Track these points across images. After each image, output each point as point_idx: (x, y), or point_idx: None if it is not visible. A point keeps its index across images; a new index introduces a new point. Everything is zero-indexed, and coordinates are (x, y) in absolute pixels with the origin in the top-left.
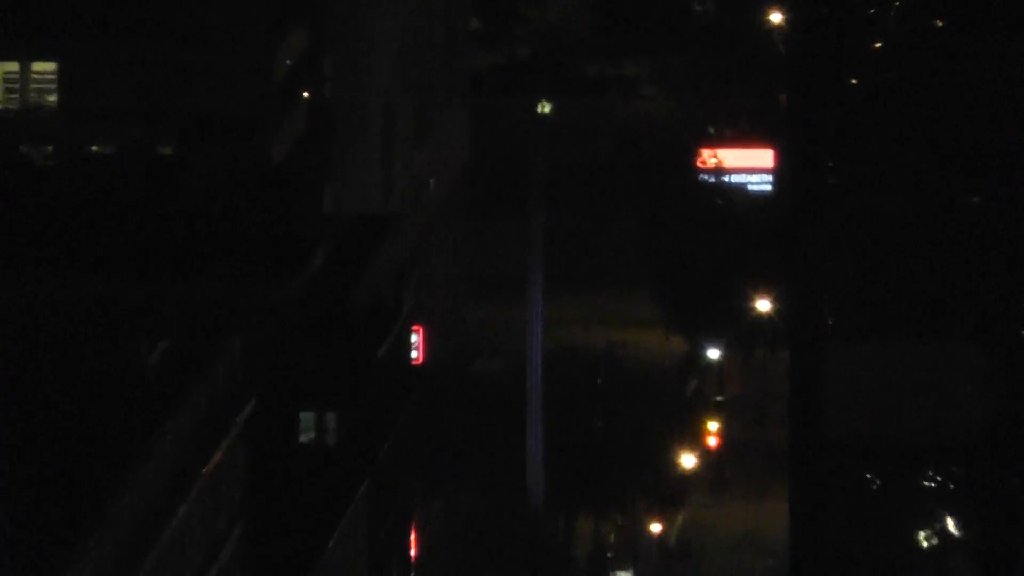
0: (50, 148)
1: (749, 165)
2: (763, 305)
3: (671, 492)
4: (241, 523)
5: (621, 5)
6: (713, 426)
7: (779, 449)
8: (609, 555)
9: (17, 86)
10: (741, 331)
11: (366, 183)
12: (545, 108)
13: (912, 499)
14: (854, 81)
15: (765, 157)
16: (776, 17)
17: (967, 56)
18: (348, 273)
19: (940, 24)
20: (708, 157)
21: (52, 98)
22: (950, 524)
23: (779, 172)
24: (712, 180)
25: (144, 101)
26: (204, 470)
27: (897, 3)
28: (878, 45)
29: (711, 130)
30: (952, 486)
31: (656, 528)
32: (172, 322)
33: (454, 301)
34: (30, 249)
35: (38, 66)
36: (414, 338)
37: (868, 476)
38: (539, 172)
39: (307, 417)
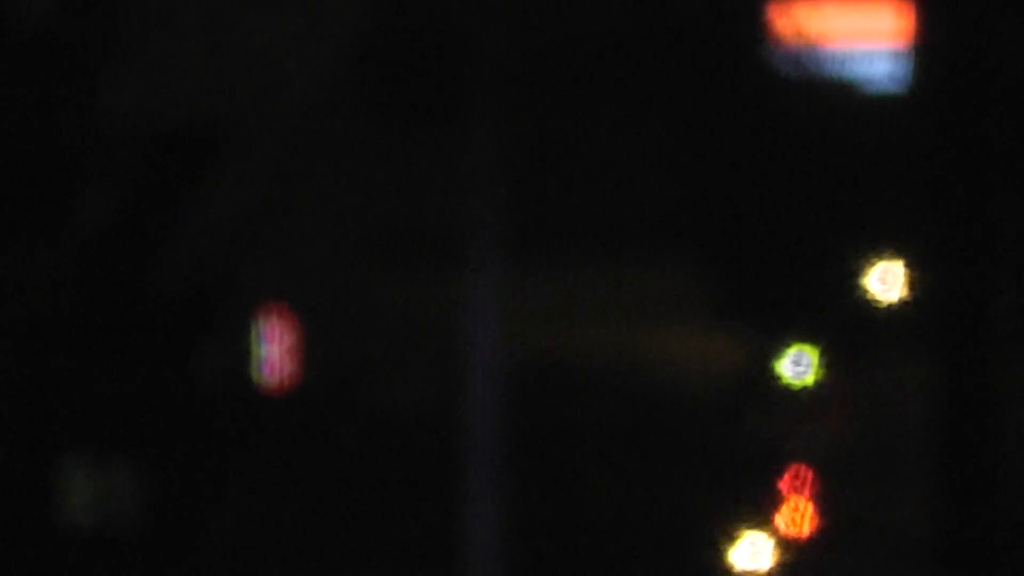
0: None
1: (864, 33)
2: (884, 287)
3: None
4: None
5: None
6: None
7: (919, 530)
8: None
9: None
10: (846, 329)
11: (179, 66)
12: None
13: None
14: None
15: (888, 20)
16: None
17: None
18: (141, 229)
19: None
20: (788, 22)
21: None
22: None
23: (918, 46)
24: (798, 62)
25: None
26: None
27: None
28: None
29: None
30: None
31: None
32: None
33: (340, 276)
34: None
35: None
36: (265, 344)
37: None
38: (489, 47)
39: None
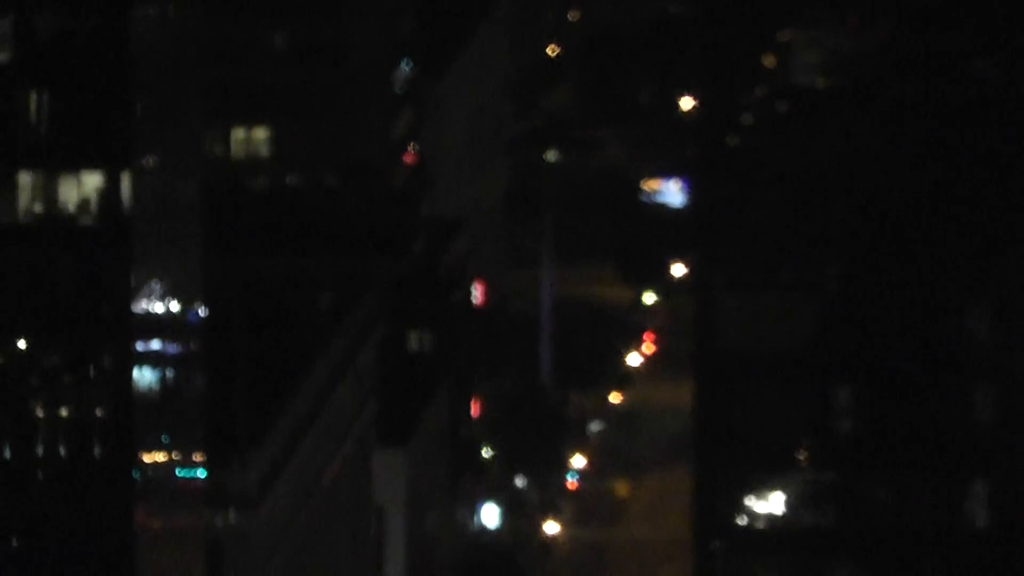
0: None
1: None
2: (678, 269)
3: (624, 377)
4: (371, 403)
5: (599, 99)
6: (650, 339)
7: (689, 354)
8: (587, 416)
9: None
10: (667, 285)
11: (445, 200)
12: (550, 156)
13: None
14: (733, 144)
15: (680, 186)
16: (687, 104)
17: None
18: (436, 252)
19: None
20: (649, 186)
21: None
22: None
23: (690, 193)
24: (650, 198)
25: (319, 153)
26: (356, 364)
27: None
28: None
29: (649, 168)
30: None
31: (615, 399)
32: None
33: (499, 270)
34: (252, 242)
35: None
36: (475, 290)
37: (745, 373)
38: (547, 192)
39: (414, 336)
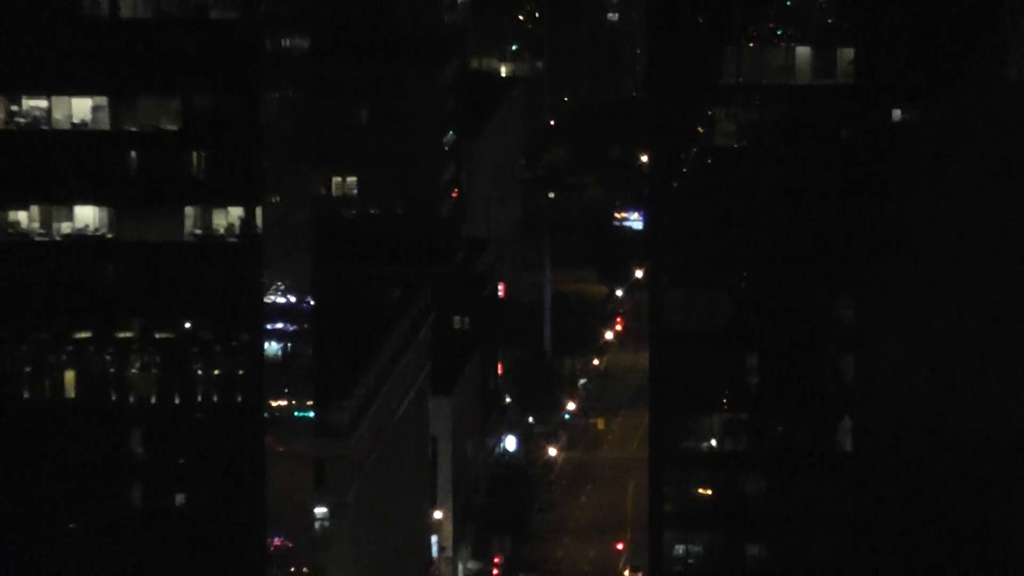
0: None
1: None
2: (639, 273)
3: (602, 347)
4: (427, 365)
5: (584, 155)
6: (619, 321)
7: (647, 332)
8: (577, 374)
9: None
10: (632, 284)
11: (477, 225)
12: (551, 194)
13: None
14: (675, 186)
15: (640, 215)
16: (644, 158)
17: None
18: (472, 261)
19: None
20: (619, 215)
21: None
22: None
23: (647, 220)
24: (620, 223)
25: (391, 192)
26: (417, 338)
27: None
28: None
29: (619, 202)
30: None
31: (596, 362)
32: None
33: (514, 273)
34: (345, 254)
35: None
36: (499, 287)
37: (685, 344)
38: (546, 218)
39: (456, 319)
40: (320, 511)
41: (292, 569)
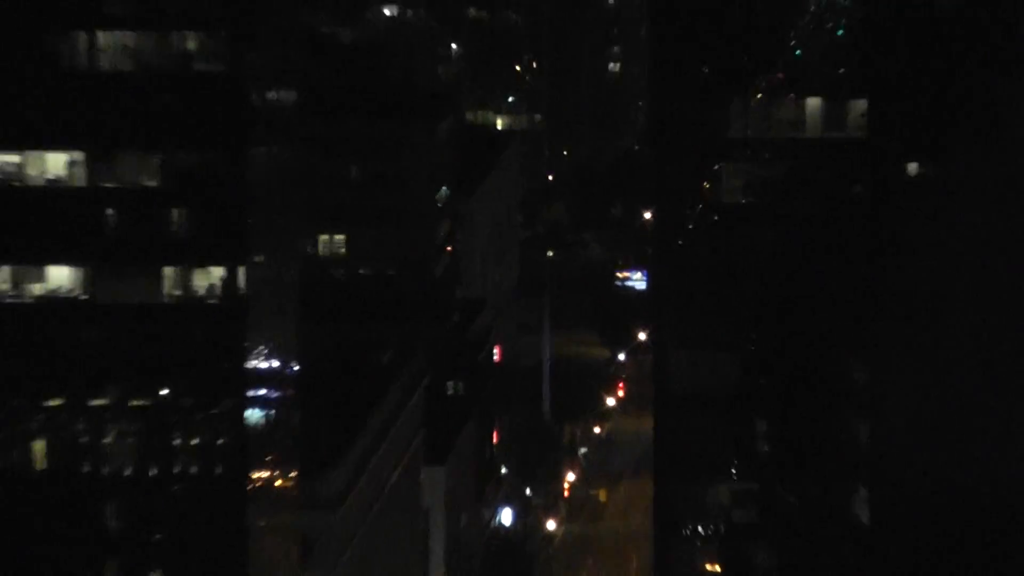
0: (343, 271)
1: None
2: (642, 335)
3: (603, 413)
4: (419, 432)
5: (584, 213)
6: (621, 386)
7: (650, 396)
8: (577, 442)
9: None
10: (634, 346)
11: (473, 285)
12: (550, 253)
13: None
14: (679, 244)
15: (642, 274)
16: (646, 215)
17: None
18: (467, 322)
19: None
20: (620, 274)
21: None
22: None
23: (649, 280)
24: (622, 283)
25: (383, 251)
26: (409, 404)
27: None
28: (691, 229)
29: (620, 261)
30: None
31: (597, 429)
32: (397, 342)
33: (512, 335)
34: (333, 315)
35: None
36: (495, 350)
37: (690, 409)
38: (545, 277)
39: (450, 383)
40: None
41: None
